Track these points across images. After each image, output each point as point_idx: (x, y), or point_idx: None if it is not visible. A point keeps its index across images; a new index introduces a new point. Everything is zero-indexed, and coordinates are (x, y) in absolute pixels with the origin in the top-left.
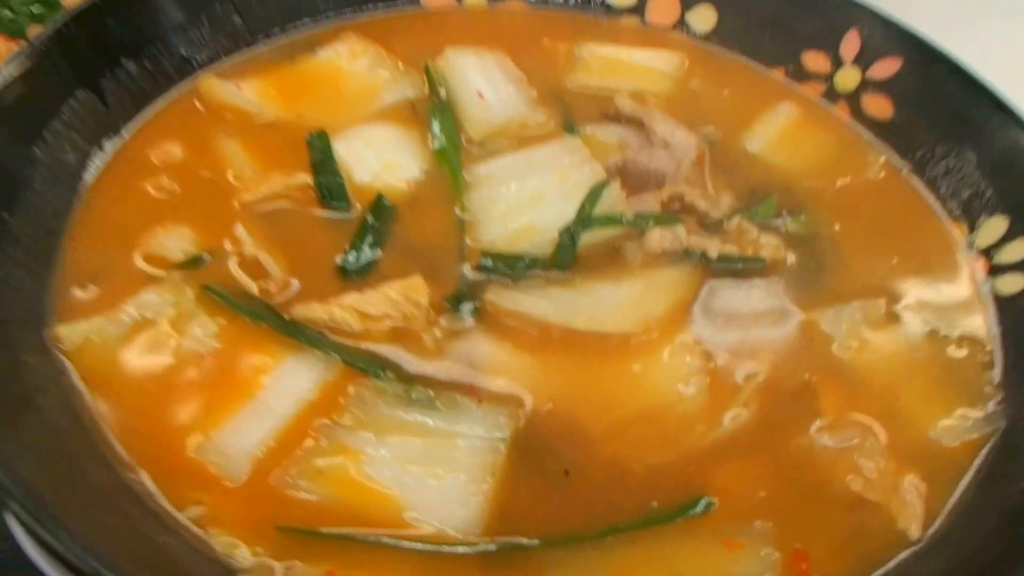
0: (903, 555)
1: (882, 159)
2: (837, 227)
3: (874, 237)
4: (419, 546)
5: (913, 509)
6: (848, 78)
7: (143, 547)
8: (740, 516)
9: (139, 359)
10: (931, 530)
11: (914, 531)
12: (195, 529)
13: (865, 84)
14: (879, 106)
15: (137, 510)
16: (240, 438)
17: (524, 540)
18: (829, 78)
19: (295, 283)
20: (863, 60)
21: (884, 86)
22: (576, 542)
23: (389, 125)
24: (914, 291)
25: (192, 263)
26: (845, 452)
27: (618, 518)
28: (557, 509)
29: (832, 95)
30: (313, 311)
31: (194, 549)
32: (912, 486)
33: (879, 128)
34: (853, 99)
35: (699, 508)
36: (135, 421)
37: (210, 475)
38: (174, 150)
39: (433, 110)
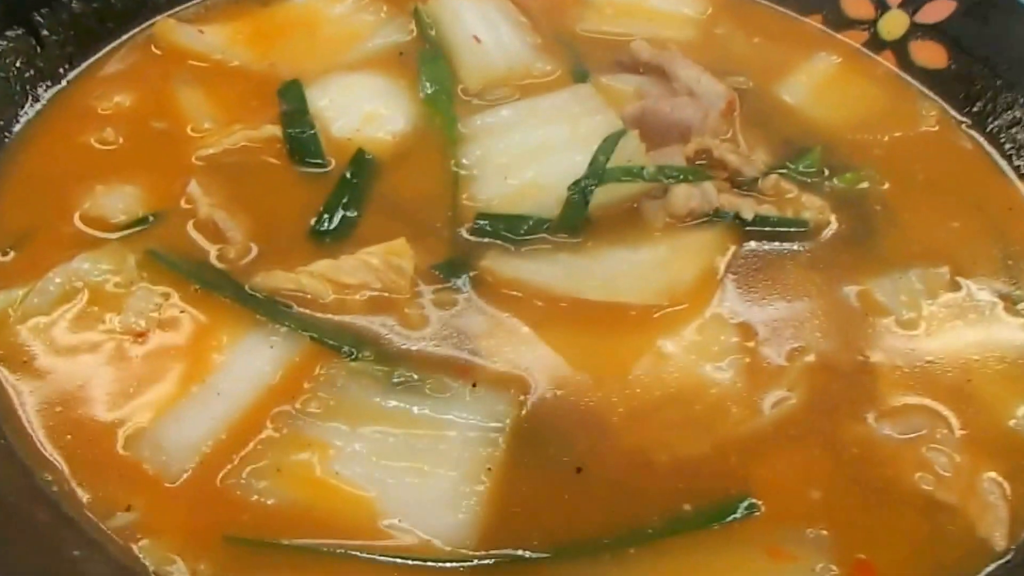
0: (988, 569)
1: (935, 112)
2: (887, 186)
3: (931, 197)
4: (399, 560)
5: (996, 513)
6: (894, 23)
7: (49, 563)
8: (789, 520)
9: (66, 335)
10: (1022, 539)
11: (999, 540)
12: (121, 539)
13: (914, 29)
14: (930, 53)
15: (48, 516)
16: (183, 429)
17: (528, 553)
18: (873, 24)
19: (257, 248)
20: (911, 2)
21: (936, 31)
22: (591, 553)
23: (372, 73)
24: (981, 256)
25: (136, 225)
26: (911, 444)
27: (642, 524)
28: (568, 513)
29: (877, 43)
30: (277, 279)
31: (117, 564)
32: (993, 485)
33: (931, 78)
34: (900, 46)
35: (740, 511)
36: (57, 410)
37: (144, 474)
38: (123, 99)
39: (423, 56)
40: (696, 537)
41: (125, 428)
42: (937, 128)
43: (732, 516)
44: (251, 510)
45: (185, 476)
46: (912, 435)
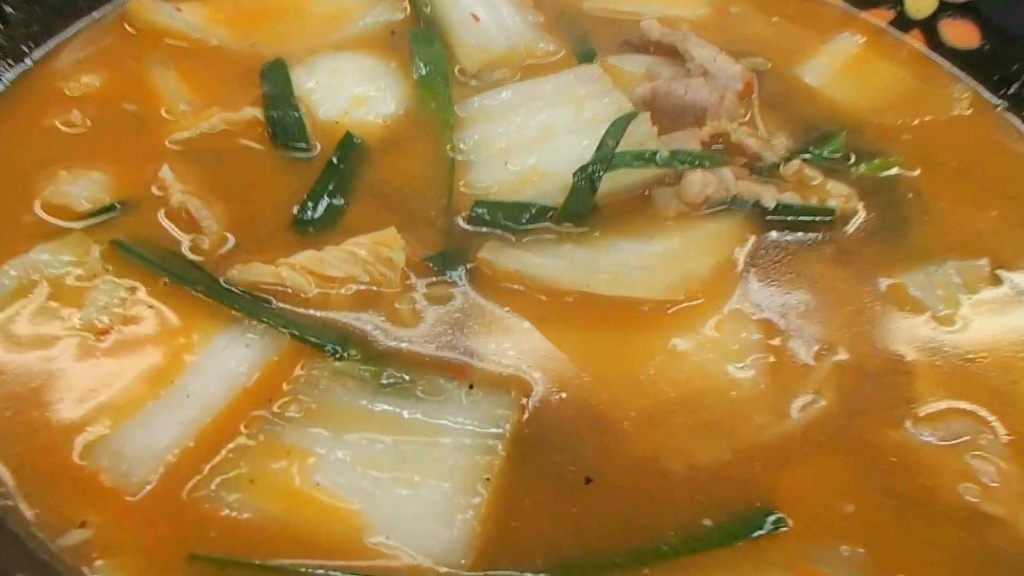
0: None
1: (968, 94)
2: (919, 172)
3: (966, 184)
4: None
5: None
6: (923, 0)
7: None
8: (820, 537)
9: (21, 333)
10: None
11: None
12: (73, 560)
13: (944, 7)
14: (962, 32)
15: None
16: (147, 436)
17: (529, 573)
18: (899, 2)
19: (234, 238)
20: None
21: (967, 9)
22: (599, 572)
23: (362, 54)
24: (1022, 247)
25: (102, 213)
26: (953, 451)
27: (656, 540)
28: (574, 528)
29: (904, 22)
30: (256, 272)
31: None
32: None
33: (963, 58)
34: (929, 25)
35: (766, 527)
36: (6, 414)
37: (102, 486)
38: (92, 80)
39: (417, 35)
40: (717, 555)
41: (83, 435)
42: (970, 112)
43: (757, 532)
44: (221, 526)
45: (148, 488)
46: (953, 441)
